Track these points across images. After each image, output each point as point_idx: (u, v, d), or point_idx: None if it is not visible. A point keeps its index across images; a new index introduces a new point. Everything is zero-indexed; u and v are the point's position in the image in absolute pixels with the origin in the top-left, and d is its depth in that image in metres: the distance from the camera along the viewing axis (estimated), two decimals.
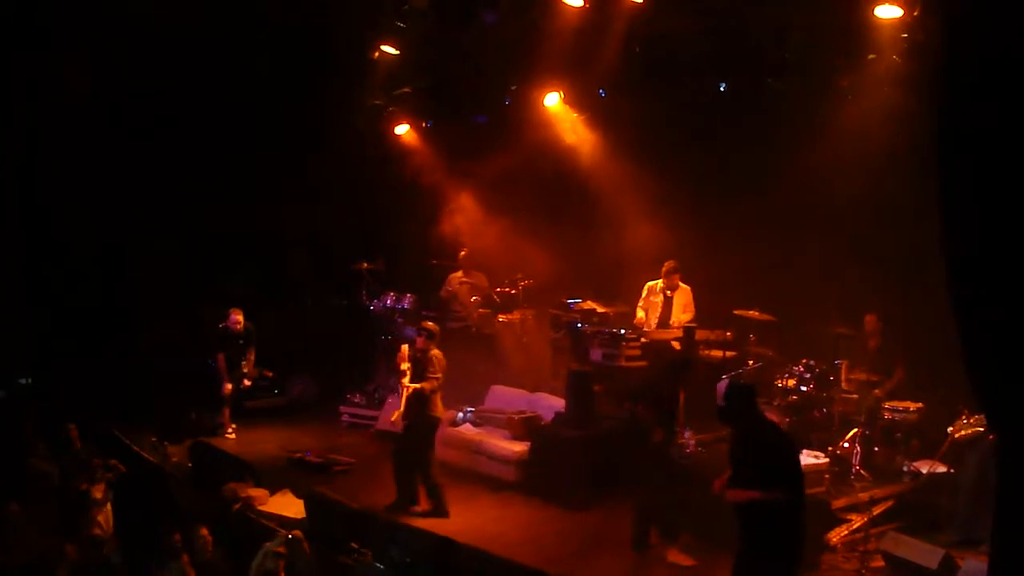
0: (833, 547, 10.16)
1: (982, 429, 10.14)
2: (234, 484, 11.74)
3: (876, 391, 11.86)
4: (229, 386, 14.56)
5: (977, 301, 4.72)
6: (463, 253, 15.85)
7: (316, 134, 15.82)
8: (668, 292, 13.70)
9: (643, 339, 13.40)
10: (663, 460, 10.56)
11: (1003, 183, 4.56)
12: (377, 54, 15.42)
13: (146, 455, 13.13)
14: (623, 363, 13.27)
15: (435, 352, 11.61)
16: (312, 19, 14.19)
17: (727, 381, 8.25)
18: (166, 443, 13.71)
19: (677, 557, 10.15)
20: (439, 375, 11.46)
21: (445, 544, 9.72)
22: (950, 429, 10.53)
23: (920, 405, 11.54)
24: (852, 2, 11.42)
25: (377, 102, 16.47)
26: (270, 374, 16.26)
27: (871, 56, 11.85)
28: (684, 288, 13.71)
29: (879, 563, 9.75)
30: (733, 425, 8.07)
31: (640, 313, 13.83)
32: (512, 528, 11.18)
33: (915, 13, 11.09)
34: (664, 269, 13.63)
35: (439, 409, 11.67)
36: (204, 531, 10.11)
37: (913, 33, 11.28)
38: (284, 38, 14.47)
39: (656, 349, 13.28)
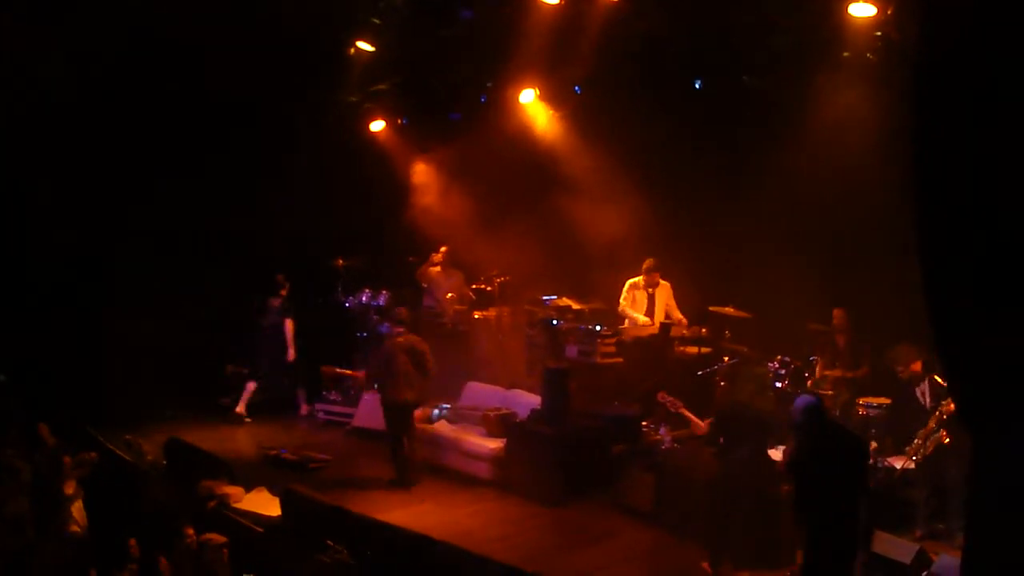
0: None
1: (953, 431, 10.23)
2: (209, 481, 11.69)
3: (846, 376, 11.96)
4: (293, 352, 15.06)
5: (951, 299, 4.74)
6: (442, 250, 15.82)
7: (292, 131, 15.77)
8: (650, 290, 13.74)
9: (625, 336, 13.46)
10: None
11: (978, 181, 4.59)
12: (353, 51, 15.39)
13: (120, 452, 13.06)
14: (599, 360, 13.32)
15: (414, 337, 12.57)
16: (288, 16, 14.12)
17: (800, 400, 8.13)
18: (140, 440, 13.64)
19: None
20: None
21: (421, 540, 9.73)
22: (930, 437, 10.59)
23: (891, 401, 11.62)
24: (827, 0, 11.48)
25: (353, 99, 16.43)
26: (244, 370, 16.21)
27: (846, 54, 11.91)
28: (665, 284, 13.77)
29: None
30: (802, 439, 8.01)
31: (633, 312, 13.84)
32: (488, 525, 11.18)
33: (889, 11, 11.16)
34: (644, 267, 13.69)
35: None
36: (190, 530, 10.01)
37: (887, 31, 11.35)
38: (260, 35, 14.38)
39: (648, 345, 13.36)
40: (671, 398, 10.93)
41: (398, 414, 12.43)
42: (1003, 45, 4.53)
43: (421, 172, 17.03)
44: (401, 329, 12.70)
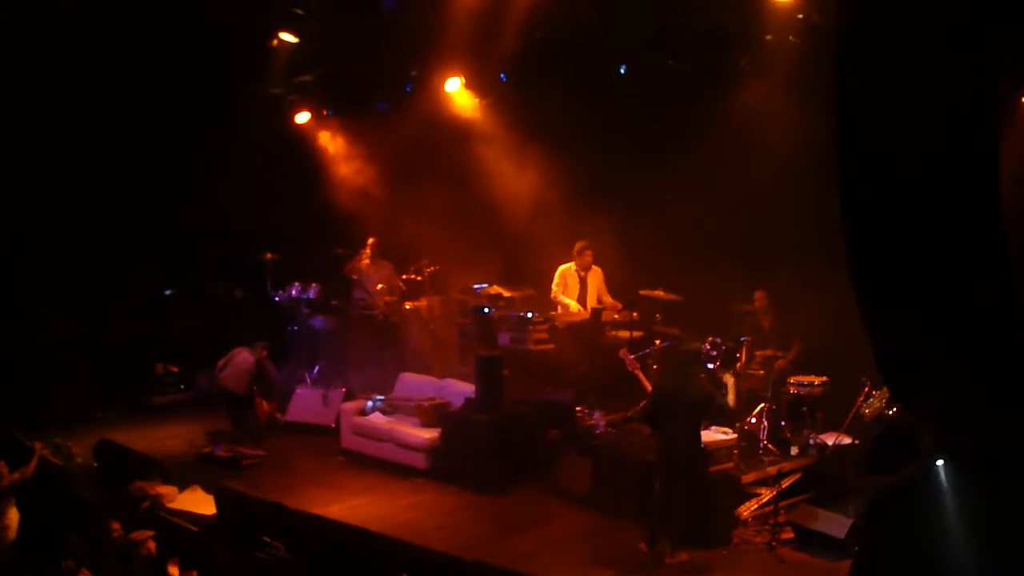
0: (744, 521, 10.35)
1: (885, 403, 10.43)
2: (142, 482, 11.56)
3: (778, 363, 12.11)
4: None
5: (878, 281, 4.83)
6: (370, 241, 15.75)
7: (217, 124, 15.56)
8: (583, 273, 13.79)
9: (557, 322, 13.50)
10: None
11: (899, 160, 4.67)
12: (276, 42, 15.24)
13: (50, 457, 12.84)
14: (531, 347, 13.34)
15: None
16: (210, 7, 13.94)
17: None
18: (70, 444, 13.43)
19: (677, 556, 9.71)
20: None
21: (358, 533, 9.69)
22: (863, 408, 10.76)
23: (824, 379, 11.80)
24: None
25: (277, 91, 16.28)
26: (175, 369, 16.04)
27: (768, 36, 12.02)
28: (597, 270, 13.83)
29: (789, 535, 9.97)
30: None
31: (565, 298, 13.87)
32: (426, 515, 11.18)
33: None
34: (575, 249, 13.73)
35: None
36: (115, 524, 9.89)
37: (809, 13, 11.47)
38: (182, 27, 14.19)
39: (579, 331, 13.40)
40: (631, 356, 11.00)
41: None
42: (918, 28, 4.61)
43: (348, 163, 16.92)
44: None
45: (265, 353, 14.22)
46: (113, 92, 15.00)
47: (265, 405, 14.47)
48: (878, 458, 8.92)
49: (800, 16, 11.61)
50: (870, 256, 4.92)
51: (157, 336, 15.93)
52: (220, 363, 14.17)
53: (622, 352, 11.08)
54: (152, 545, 9.30)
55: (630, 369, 10.80)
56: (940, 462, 4.86)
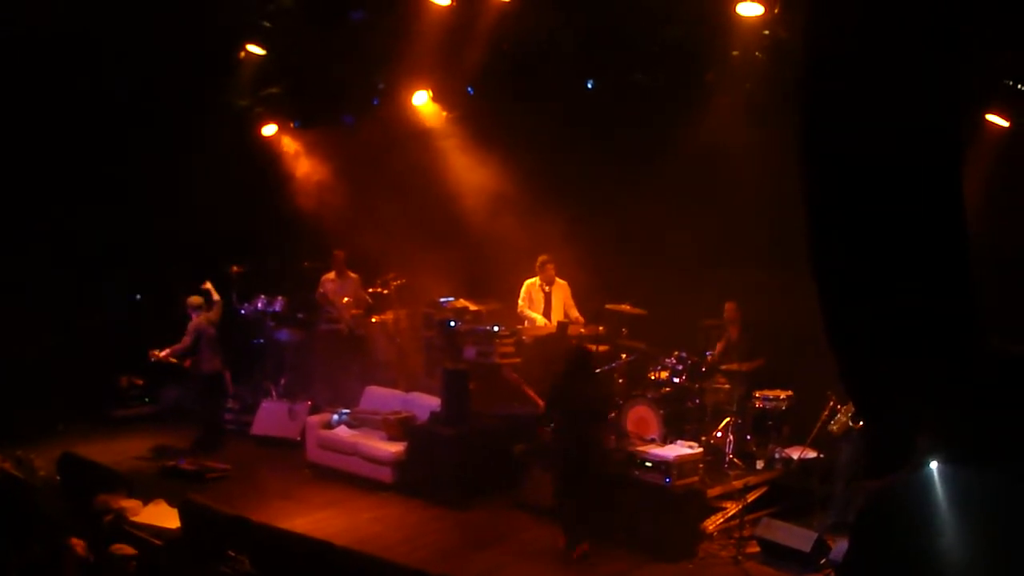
0: (709, 535, 10.41)
1: (851, 418, 10.50)
2: (105, 496, 11.46)
3: (740, 367, 12.19)
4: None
5: (843, 298, 4.88)
6: (336, 254, 15.71)
7: (185, 136, 15.49)
8: (547, 288, 13.82)
9: (523, 336, 13.51)
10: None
11: (865, 179, 4.72)
12: (243, 54, 15.21)
13: (11, 470, 12.72)
14: (497, 360, 13.34)
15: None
16: (177, 18, 13.89)
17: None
18: (32, 456, 13.31)
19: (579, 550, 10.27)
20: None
21: (323, 547, 9.65)
22: (830, 425, 10.82)
23: (789, 393, 11.86)
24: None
25: (244, 103, 16.24)
26: (140, 382, 15.94)
27: (735, 52, 12.10)
28: (561, 283, 13.85)
29: (755, 548, 10.02)
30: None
31: (531, 312, 13.88)
32: (391, 529, 11.19)
33: (776, 10, 11.36)
34: (538, 263, 13.75)
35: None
36: (76, 541, 9.79)
37: (775, 30, 11.56)
38: (150, 39, 14.13)
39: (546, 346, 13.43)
40: (515, 375, 11.20)
41: None
42: (883, 45, 4.67)
43: (314, 176, 16.90)
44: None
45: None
46: (81, 102, 14.91)
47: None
48: (869, 464, 9.02)
49: (766, 32, 11.69)
50: (835, 269, 4.97)
51: (122, 349, 15.78)
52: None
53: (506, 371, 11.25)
54: (133, 565, 9.21)
55: (515, 383, 11.12)
56: (933, 464, 4.93)
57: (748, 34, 11.85)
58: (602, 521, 10.44)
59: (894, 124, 4.63)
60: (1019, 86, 10.88)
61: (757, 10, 11.42)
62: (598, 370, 12.79)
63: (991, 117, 11.04)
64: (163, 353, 14.21)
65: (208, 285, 14.75)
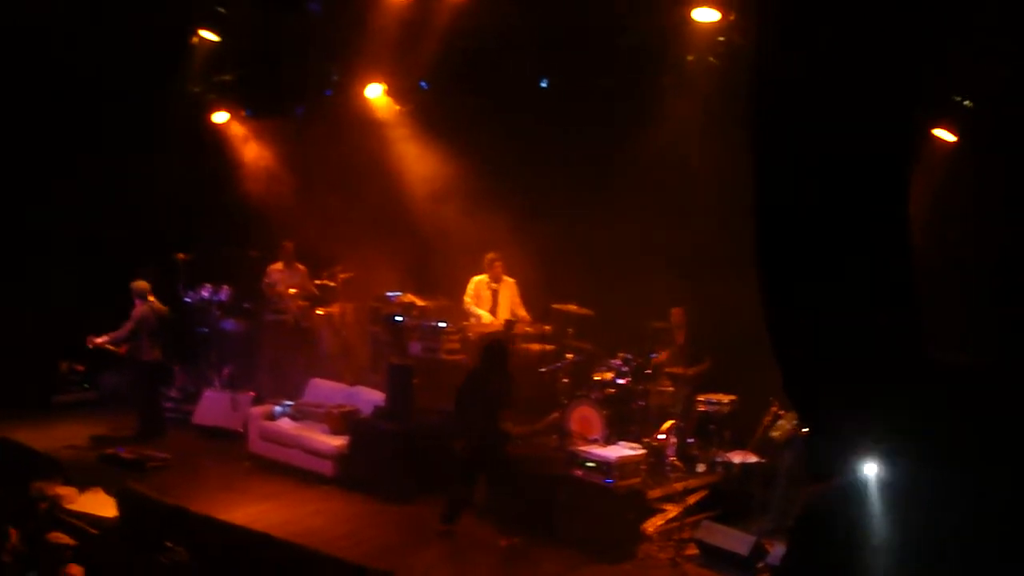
0: (649, 536, 10.43)
1: (794, 425, 10.59)
2: (41, 483, 11.32)
3: (686, 372, 12.26)
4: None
5: (787, 305, 4.92)
6: (285, 245, 15.61)
7: (134, 121, 15.31)
8: (494, 285, 13.81)
9: (469, 332, 13.50)
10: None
11: (813, 187, 4.77)
12: (196, 40, 15.08)
13: None
14: (443, 356, 13.33)
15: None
16: (130, 4, 13.75)
17: None
18: None
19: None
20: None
21: (262, 539, 9.60)
22: (772, 431, 10.90)
23: (733, 397, 11.95)
24: (673, 3, 11.72)
25: (196, 89, 16.09)
26: (80, 368, 15.75)
27: (690, 57, 12.18)
28: (509, 281, 13.85)
29: (693, 551, 10.08)
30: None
31: (477, 309, 13.87)
32: (332, 523, 11.12)
33: (731, 17, 11.46)
34: (486, 260, 13.74)
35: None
36: (12, 531, 9.67)
37: (730, 35, 11.65)
38: (101, 24, 13.96)
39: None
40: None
41: None
42: (833, 53, 4.72)
43: (264, 165, 16.79)
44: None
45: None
46: (29, 85, 14.71)
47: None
48: (808, 470, 9.13)
49: (721, 39, 11.79)
50: (780, 276, 5.02)
51: (65, 334, 15.58)
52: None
53: None
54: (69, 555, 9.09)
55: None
56: (870, 471, 4.98)
57: (704, 39, 11.95)
58: (542, 520, 10.48)
59: (843, 134, 4.69)
60: (965, 101, 11.05)
61: (713, 16, 11.53)
62: (543, 369, 12.90)
63: (938, 132, 11.21)
64: (101, 339, 14.06)
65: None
